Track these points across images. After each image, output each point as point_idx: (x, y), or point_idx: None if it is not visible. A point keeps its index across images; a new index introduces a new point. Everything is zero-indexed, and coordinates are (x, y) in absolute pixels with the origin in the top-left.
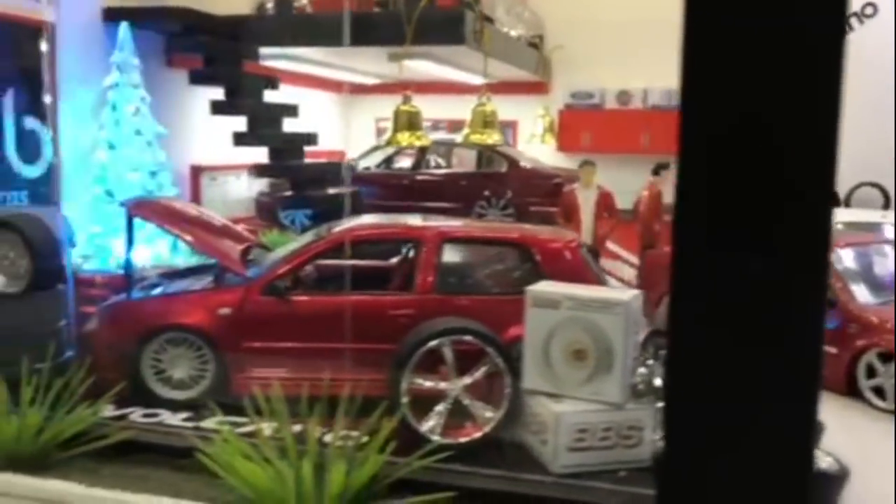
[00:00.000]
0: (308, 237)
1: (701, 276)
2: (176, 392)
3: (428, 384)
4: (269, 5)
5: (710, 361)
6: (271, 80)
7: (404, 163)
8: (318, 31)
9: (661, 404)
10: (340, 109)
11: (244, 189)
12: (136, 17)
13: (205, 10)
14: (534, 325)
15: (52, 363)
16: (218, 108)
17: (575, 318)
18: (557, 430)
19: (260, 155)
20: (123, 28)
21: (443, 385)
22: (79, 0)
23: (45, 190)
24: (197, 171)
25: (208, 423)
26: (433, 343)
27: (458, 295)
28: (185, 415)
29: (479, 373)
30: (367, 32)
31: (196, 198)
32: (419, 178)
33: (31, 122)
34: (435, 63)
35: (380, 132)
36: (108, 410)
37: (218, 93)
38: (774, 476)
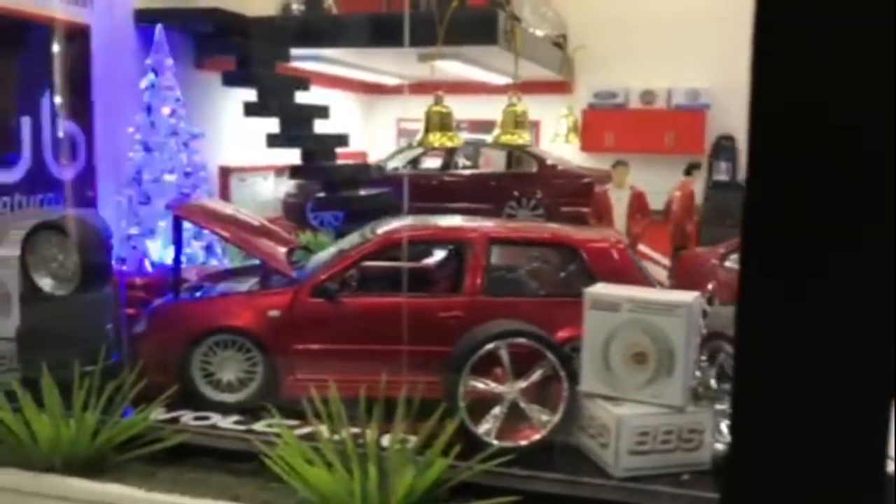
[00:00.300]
0: (354, 238)
1: (769, 276)
2: (225, 395)
3: (485, 387)
4: (295, 6)
5: (779, 364)
6: (302, 82)
7: (430, 163)
8: (352, 33)
9: (719, 406)
10: (362, 109)
11: (271, 190)
12: (168, 19)
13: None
14: (592, 327)
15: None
16: (251, 109)
17: (635, 320)
18: (619, 433)
19: (286, 156)
20: (159, 30)
21: (500, 388)
22: (112, 2)
23: (80, 192)
24: (226, 173)
25: (259, 426)
26: (490, 346)
27: (507, 297)
28: (236, 418)
29: (536, 376)
30: (399, 33)
31: (225, 199)
32: (448, 178)
33: (66, 124)
34: (464, 63)
35: (401, 133)
36: (159, 413)
37: (247, 94)
38: (847, 482)
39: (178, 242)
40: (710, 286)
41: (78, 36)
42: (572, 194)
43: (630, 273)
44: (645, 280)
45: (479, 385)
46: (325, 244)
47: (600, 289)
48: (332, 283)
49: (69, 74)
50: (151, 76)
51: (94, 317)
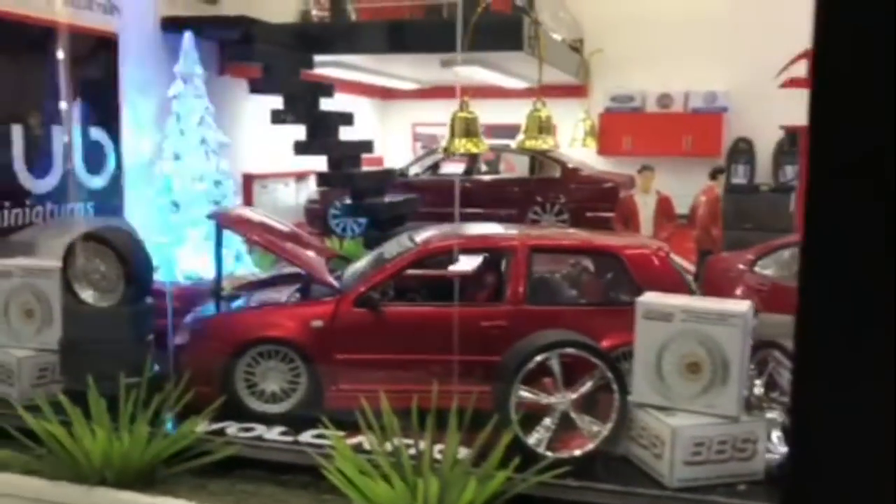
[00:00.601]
0: (392, 247)
1: (833, 275)
2: (268, 405)
3: (536, 398)
4: (315, 12)
5: (840, 373)
6: (325, 88)
7: (449, 168)
8: (380, 39)
9: (770, 415)
10: (377, 114)
11: (293, 196)
12: (194, 26)
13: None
14: (645, 337)
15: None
16: (279, 117)
17: (690, 330)
18: (674, 443)
19: (307, 162)
20: (187, 37)
21: (551, 399)
22: (138, 10)
23: (109, 201)
24: (249, 180)
25: (306, 437)
26: (541, 357)
27: (549, 306)
28: (281, 429)
29: (588, 386)
30: (423, 39)
31: (248, 205)
32: (471, 184)
33: (95, 133)
34: (485, 69)
35: (416, 137)
36: (204, 425)
37: (272, 101)
38: None
39: (218, 252)
40: (737, 291)
41: (106, 44)
42: (596, 199)
43: (671, 280)
44: (685, 287)
45: (530, 396)
46: (355, 250)
47: (652, 298)
48: (374, 292)
49: (97, 82)
50: (180, 84)
51: (136, 328)
